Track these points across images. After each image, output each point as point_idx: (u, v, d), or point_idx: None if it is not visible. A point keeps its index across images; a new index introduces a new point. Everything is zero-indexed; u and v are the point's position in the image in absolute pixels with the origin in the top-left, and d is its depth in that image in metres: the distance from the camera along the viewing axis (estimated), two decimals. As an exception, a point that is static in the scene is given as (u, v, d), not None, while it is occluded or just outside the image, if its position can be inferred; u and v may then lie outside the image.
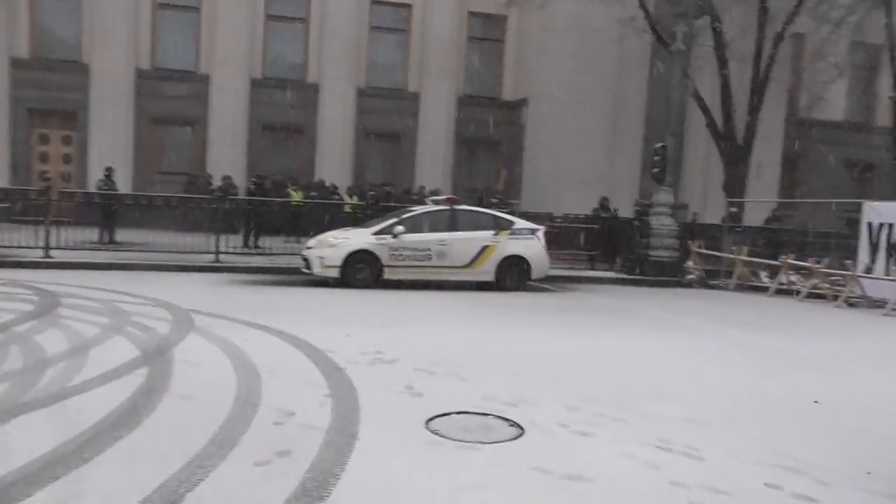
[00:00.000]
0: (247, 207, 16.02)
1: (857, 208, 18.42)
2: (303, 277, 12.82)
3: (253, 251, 15.66)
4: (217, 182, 19.68)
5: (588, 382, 6.19)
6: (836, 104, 25.61)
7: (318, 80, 24.65)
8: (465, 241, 12.57)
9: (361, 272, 12.12)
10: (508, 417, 5.01)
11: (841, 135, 26.76)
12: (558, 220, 17.01)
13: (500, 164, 26.50)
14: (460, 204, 13.33)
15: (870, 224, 13.44)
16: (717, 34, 19.19)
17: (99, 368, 5.72)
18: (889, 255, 12.92)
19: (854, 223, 19.09)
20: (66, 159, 23.27)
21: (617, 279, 15.80)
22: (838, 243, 16.00)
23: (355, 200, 18.98)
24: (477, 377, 6.12)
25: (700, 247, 16.25)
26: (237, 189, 19.50)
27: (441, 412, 5.04)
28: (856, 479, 4.26)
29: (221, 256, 14.43)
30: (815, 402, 5.92)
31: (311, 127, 24.63)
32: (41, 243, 13.66)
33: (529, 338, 8.36)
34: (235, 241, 15.30)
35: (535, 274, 13.04)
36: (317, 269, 12.19)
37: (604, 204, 18.81)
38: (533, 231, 13.20)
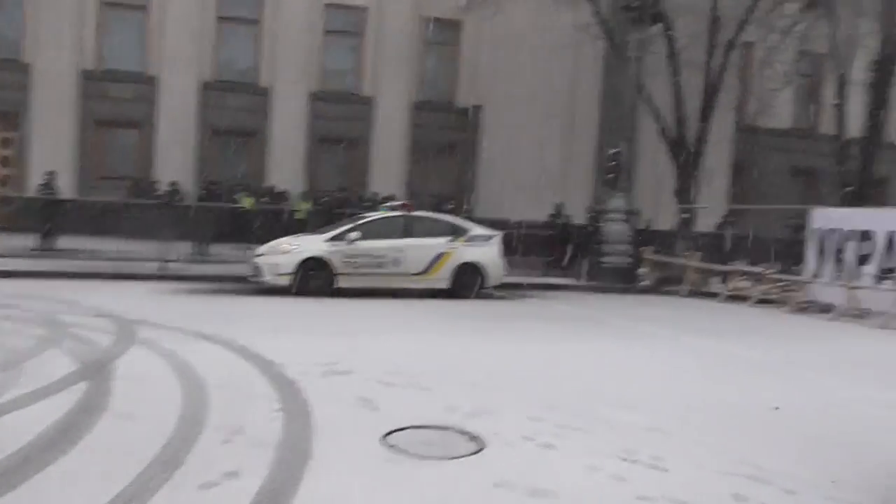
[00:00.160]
0: (195, 214, 15.54)
1: (804, 214, 18.78)
2: (253, 286, 12.44)
3: (202, 258, 15.19)
4: (164, 187, 19.14)
5: (549, 392, 6.05)
6: (782, 112, 26.15)
7: (271, 83, 24.24)
8: (420, 248, 12.38)
9: (314, 280, 11.82)
10: (470, 430, 4.83)
11: (787, 142, 27.38)
12: (513, 226, 16.92)
13: (454, 169, 26.40)
14: (415, 210, 13.14)
15: (818, 230, 13.66)
16: (670, 41, 19.39)
17: (32, 384, 5.36)
18: (836, 260, 13.13)
19: (800, 229, 19.49)
20: (5, 162, 22.42)
21: (572, 285, 15.77)
22: (787, 249, 16.28)
23: (308, 206, 18.64)
24: (436, 388, 5.93)
25: (653, 253, 16.35)
26: (185, 195, 19.01)
27: (399, 426, 4.83)
28: (821, 487, 4.20)
29: (169, 264, 13.97)
30: (775, 408, 5.89)
31: (262, 131, 24.20)
32: (-25, 251, 13.05)
33: (488, 346, 8.20)
34: (183, 248, 14.83)
35: (491, 281, 12.91)
36: (268, 277, 11.86)
37: (559, 210, 18.82)
38: (489, 237, 13.08)
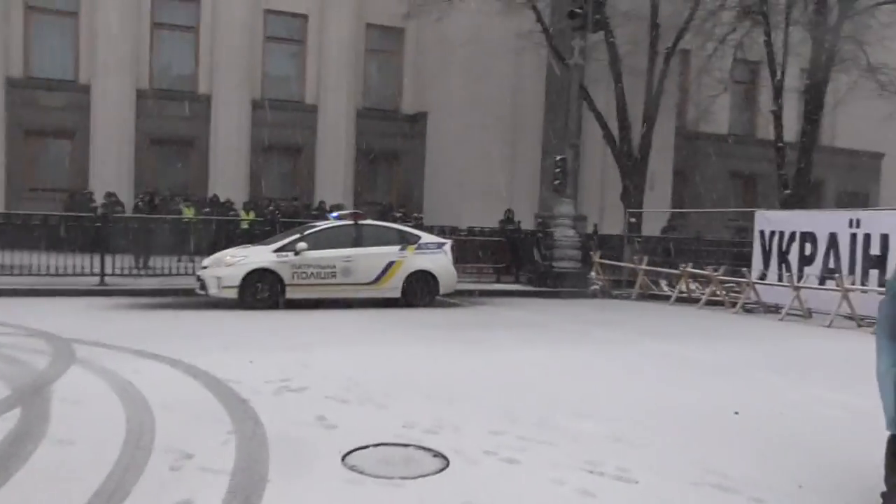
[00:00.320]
0: (134, 226, 14.99)
1: (745, 217, 19.21)
2: (198, 299, 12.06)
3: (143, 272, 14.66)
4: (100, 199, 18.47)
5: (509, 402, 5.93)
6: (720, 118, 26.83)
7: (210, 90, 23.69)
8: (370, 257, 12.18)
9: (262, 292, 11.52)
10: (431, 447, 4.68)
11: (726, 147, 28.06)
12: (463, 233, 16.85)
13: (400, 177, 26.25)
14: (365, 218, 12.94)
15: (762, 232, 13.95)
16: (612, 48, 19.65)
17: (-39, 413, 5.01)
18: (781, 261, 13.43)
19: (743, 231, 19.95)
20: (-72, 175, 21.34)
21: (523, 291, 15.78)
22: (731, 251, 16.59)
23: (252, 216, 18.22)
24: (394, 403, 5.75)
25: (601, 257, 16.47)
26: (123, 206, 18.38)
27: (358, 445, 4.65)
28: (789, 494, 4.18)
29: (107, 278, 13.46)
30: (735, 412, 5.89)
31: (203, 140, 23.61)
32: None
33: (443, 356, 8.06)
34: (123, 261, 14.29)
35: (443, 289, 12.78)
36: (213, 291, 11.48)
37: (509, 216, 18.84)
38: (440, 245, 12.97)
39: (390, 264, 12.32)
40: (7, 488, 3.79)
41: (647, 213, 19.77)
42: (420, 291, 12.54)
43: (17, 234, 14.14)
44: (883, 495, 3.79)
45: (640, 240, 17.69)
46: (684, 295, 14.75)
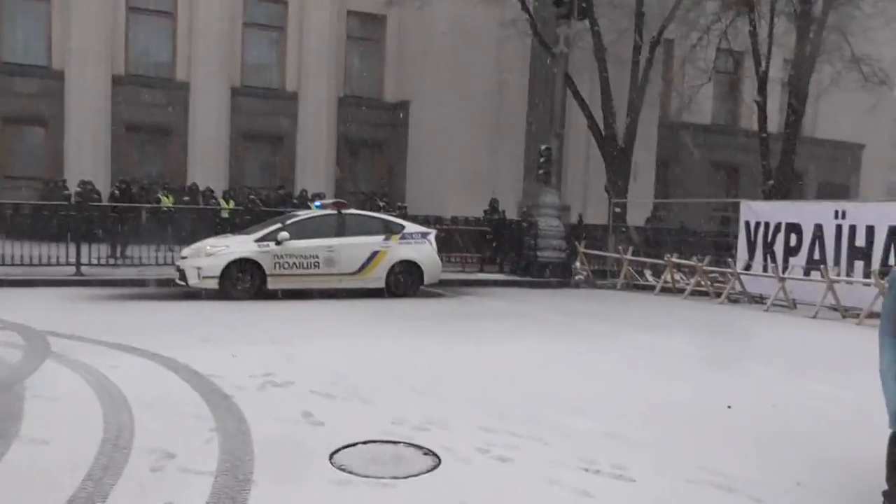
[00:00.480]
0: (111, 214, 14.65)
1: (729, 207, 19.20)
2: (178, 290, 11.81)
3: (120, 262, 14.35)
4: (74, 188, 18.08)
5: (499, 397, 5.80)
6: (703, 108, 26.79)
7: (189, 78, 23.25)
8: (354, 247, 11.98)
9: (243, 283, 11.29)
10: (421, 445, 4.53)
11: (709, 137, 28.05)
12: (447, 222, 16.69)
13: (382, 166, 26.01)
14: (348, 208, 12.72)
15: (747, 223, 13.91)
16: (597, 37, 19.52)
17: (-72, 411, 4.79)
18: (766, 252, 13.40)
19: (727, 221, 19.96)
20: None
21: (507, 281, 15.66)
22: (716, 241, 16.58)
23: (232, 205, 17.93)
24: (381, 398, 5.60)
25: (586, 247, 16.39)
26: (100, 195, 18.01)
27: (346, 443, 4.49)
28: (788, 492, 4.09)
29: (84, 268, 13.13)
30: (728, 407, 5.80)
31: (181, 128, 23.19)
32: None
33: (430, 349, 7.91)
34: (100, 251, 13.97)
35: (427, 279, 12.62)
36: (193, 281, 11.24)
37: (494, 206, 18.69)
38: (424, 235, 12.79)
39: (374, 254, 12.14)
40: (-23, 492, 3.60)
41: (632, 203, 19.71)
42: (404, 282, 12.37)
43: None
44: (884, 494, 3.70)
45: (624, 230, 17.63)
46: (669, 285, 14.71)
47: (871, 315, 10.95)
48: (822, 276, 11.81)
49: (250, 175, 24.09)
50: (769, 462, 4.57)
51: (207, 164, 22.80)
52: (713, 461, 4.49)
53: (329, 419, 4.99)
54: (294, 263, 11.54)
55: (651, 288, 15.09)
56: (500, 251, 17.17)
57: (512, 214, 20.89)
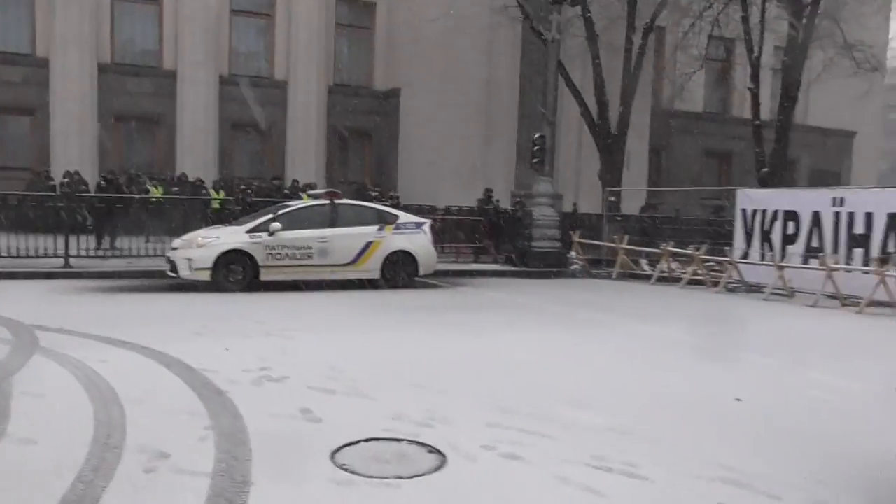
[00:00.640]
0: (99, 205, 14.38)
1: (722, 195, 19.09)
2: (168, 282, 11.60)
3: (109, 253, 14.10)
4: (58, 178, 17.77)
5: (502, 391, 5.65)
6: (695, 96, 26.70)
7: (176, 66, 22.92)
8: (348, 238, 11.79)
9: (235, 274, 11.08)
10: (425, 442, 4.37)
11: (701, 125, 27.98)
12: (441, 212, 16.52)
13: (373, 155, 25.77)
14: (341, 198, 12.52)
15: (744, 210, 13.81)
16: (589, 24, 19.33)
17: (-90, 411, 4.59)
18: (763, 240, 13.30)
19: (721, 209, 19.90)
20: None
21: (502, 271, 15.53)
22: (711, 230, 16.49)
23: (223, 195, 17.68)
24: (381, 393, 5.43)
25: (582, 236, 16.26)
26: (87, 185, 17.71)
27: (347, 441, 4.32)
28: (804, 488, 3.95)
29: (72, 260, 12.90)
30: (737, 399, 5.67)
31: (169, 117, 22.87)
32: None
33: (428, 341, 7.75)
34: (88, 242, 13.74)
35: (422, 270, 12.46)
36: (184, 273, 11.03)
37: (488, 195, 18.51)
38: (419, 225, 12.61)
39: (368, 245, 11.95)
40: (-39, 497, 3.41)
41: (626, 191, 19.59)
42: (399, 272, 12.20)
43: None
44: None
45: (619, 218, 17.50)
46: (665, 274, 14.60)
47: (872, 303, 10.90)
48: (821, 263, 11.73)
49: (240, 165, 23.82)
50: (781, 456, 4.44)
51: (196, 153, 22.52)
52: (724, 456, 4.36)
53: (328, 415, 4.82)
54: (287, 254, 11.34)
55: (647, 277, 14.98)
56: (495, 241, 17.01)
57: (504, 203, 20.73)
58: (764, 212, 13.36)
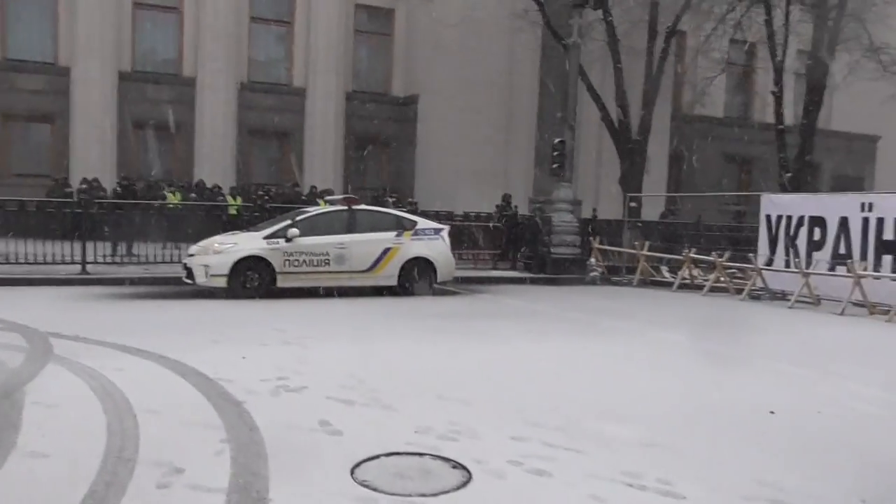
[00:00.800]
0: (117, 212, 14.35)
1: (741, 201, 18.75)
2: (185, 289, 11.52)
3: (126, 260, 14.06)
4: (76, 185, 17.80)
5: (527, 402, 5.46)
6: (716, 100, 26.36)
7: (196, 73, 22.96)
8: (365, 244, 11.65)
9: (252, 281, 10.97)
10: (449, 456, 4.19)
11: (721, 130, 27.63)
12: (459, 218, 16.34)
13: (391, 161, 25.67)
14: (359, 203, 12.38)
15: (768, 216, 13.52)
16: (610, 27, 19.13)
17: (-80, 422, 4.48)
18: (788, 247, 13.01)
19: (741, 215, 19.59)
20: None
21: (521, 278, 15.33)
22: (732, 236, 16.21)
23: (240, 202, 17.62)
24: (402, 404, 5.26)
25: (601, 243, 16.02)
26: (106, 192, 17.71)
27: (368, 455, 4.16)
28: (847, 507, 3.74)
29: (89, 266, 12.87)
30: (771, 412, 5.44)
31: (188, 124, 22.90)
32: None
33: (448, 349, 7.57)
34: (105, 249, 13.71)
35: (441, 276, 12.29)
36: (201, 279, 10.92)
37: (507, 201, 18.33)
38: (437, 231, 12.45)
39: (386, 251, 11.80)
40: (-32, 514, 3.28)
41: (646, 197, 19.32)
42: (417, 279, 12.04)
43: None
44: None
45: (640, 224, 17.24)
46: (686, 281, 14.34)
47: (902, 311, 10.61)
48: (849, 270, 11.43)
49: (258, 172, 23.80)
50: (824, 473, 4.23)
51: (214, 160, 22.53)
52: (765, 473, 4.15)
53: (348, 428, 4.65)
54: (304, 261, 11.21)
55: (668, 284, 14.73)
56: (514, 247, 16.81)
57: (523, 209, 20.53)
58: (789, 218, 13.07)
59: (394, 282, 11.90)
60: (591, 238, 16.09)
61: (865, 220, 11.83)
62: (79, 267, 12.75)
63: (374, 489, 3.70)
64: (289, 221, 11.47)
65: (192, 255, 11.28)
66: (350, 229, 11.70)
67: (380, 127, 24.82)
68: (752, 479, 4.03)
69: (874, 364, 7.78)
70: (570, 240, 15.97)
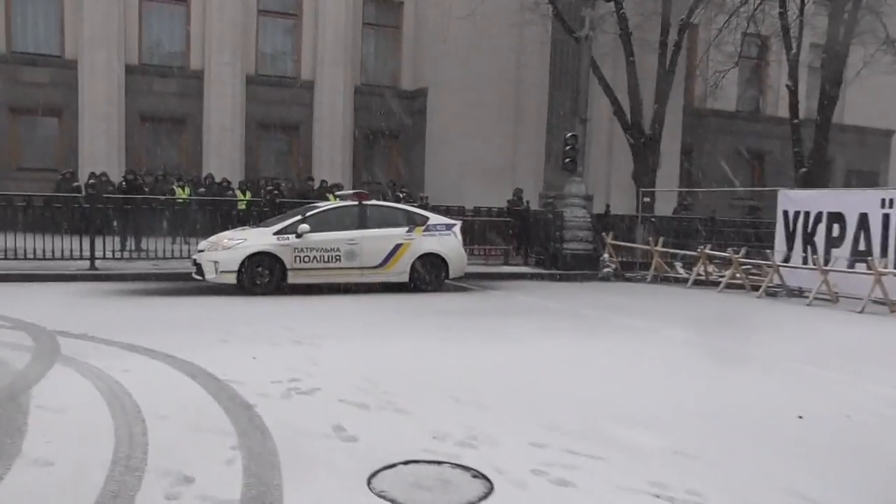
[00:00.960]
0: (125, 206, 14.22)
1: (754, 196, 18.48)
2: (194, 285, 11.38)
3: (134, 255, 13.95)
4: (83, 179, 17.70)
5: (544, 404, 5.30)
6: (728, 94, 26.06)
7: (203, 66, 22.82)
8: (376, 240, 11.48)
9: (262, 277, 10.83)
10: (468, 465, 4.03)
11: (734, 124, 27.33)
12: (470, 213, 16.16)
13: (400, 155, 25.49)
14: (370, 198, 12.21)
15: (785, 212, 13.28)
16: (622, 20, 18.87)
17: (-78, 426, 4.35)
18: (806, 243, 12.78)
19: (755, 210, 19.33)
20: None
21: (533, 274, 15.14)
22: (747, 231, 15.98)
23: (249, 196, 17.48)
24: (417, 407, 5.10)
25: (615, 238, 15.81)
26: (114, 186, 17.62)
27: (385, 463, 4.00)
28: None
29: (98, 262, 12.75)
30: (799, 417, 5.26)
31: (196, 117, 22.78)
32: None
33: (462, 349, 7.41)
34: (114, 244, 13.62)
35: (452, 273, 12.12)
36: (210, 276, 10.79)
37: (518, 196, 18.13)
38: (449, 227, 12.27)
39: (397, 247, 11.64)
40: (-31, 527, 3.14)
41: (661, 192, 19.08)
42: (429, 276, 11.87)
43: (0, 215, 13.37)
44: None
45: (653, 220, 17.02)
46: (701, 277, 14.13)
47: (925, 310, 10.39)
48: (869, 268, 11.21)
49: (266, 165, 23.67)
50: (859, 483, 4.05)
51: (222, 154, 22.42)
52: (796, 482, 3.98)
53: (363, 434, 4.49)
54: (315, 257, 11.06)
55: (682, 281, 14.53)
56: (525, 243, 16.62)
57: (533, 204, 20.34)
58: (807, 214, 12.83)
59: (405, 278, 11.74)
60: (603, 234, 15.87)
61: (886, 217, 11.58)
62: (87, 262, 12.63)
63: (392, 500, 3.54)
64: (299, 217, 11.32)
65: (201, 251, 11.15)
66: (361, 225, 11.54)
67: (388, 120, 24.63)
68: (787, 492, 3.85)
69: (898, 365, 7.59)
70: (582, 235, 15.77)
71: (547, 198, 19.31)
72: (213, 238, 11.36)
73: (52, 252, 12.80)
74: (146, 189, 16.42)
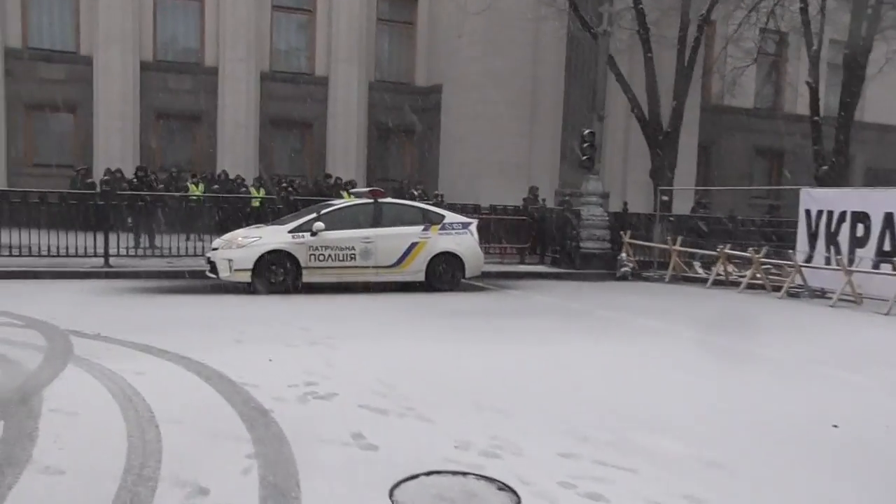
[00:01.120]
0: (139, 203, 14.15)
1: (771, 195, 18.15)
2: (208, 283, 11.27)
3: (148, 252, 13.87)
4: (98, 175, 17.66)
5: (570, 412, 5.13)
6: (746, 91, 25.72)
7: (217, 63, 22.77)
8: (392, 238, 11.33)
9: (277, 276, 10.69)
10: (494, 477, 3.87)
11: (751, 121, 26.99)
12: (485, 211, 15.98)
13: (415, 153, 25.33)
14: (385, 196, 12.06)
15: (808, 211, 13.03)
16: (641, 16, 18.62)
17: (-69, 431, 4.23)
18: (829, 243, 12.52)
19: (775, 209, 19.04)
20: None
21: (550, 274, 14.94)
22: (767, 231, 15.72)
23: (263, 193, 17.38)
24: (438, 414, 4.94)
25: (631, 237, 15.59)
26: (129, 183, 17.57)
27: (406, 474, 3.85)
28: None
29: (112, 259, 12.67)
30: (834, 426, 5.06)
31: (210, 114, 22.73)
32: None
33: (480, 350, 7.24)
34: (128, 241, 13.56)
35: (469, 272, 11.95)
36: (224, 274, 10.66)
37: (534, 194, 17.92)
38: (465, 225, 12.09)
39: (413, 245, 11.48)
40: (-23, 541, 3.01)
41: (678, 190, 18.82)
42: (445, 275, 11.70)
43: (15, 212, 13.32)
44: None
45: (672, 219, 16.76)
46: (721, 277, 13.89)
47: (954, 312, 10.13)
48: (895, 268, 10.95)
49: (280, 162, 23.58)
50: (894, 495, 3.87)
51: (236, 151, 22.36)
52: (834, 495, 3.80)
53: (383, 442, 4.34)
54: (330, 255, 10.92)
55: (701, 280, 14.29)
56: (542, 242, 16.42)
57: (549, 202, 20.13)
58: (830, 213, 12.56)
59: (421, 277, 11.58)
60: (621, 232, 15.63)
61: (913, 216, 11.32)
62: (102, 260, 12.55)
63: (416, 515, 3.39)
64: (314, 215, 11.17)
65: (215, 249, 11.02)
66: (376, 223, 11.39)
67: (403, 117, 24.48)
68: (827, 507, 3.67)
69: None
70: (599, 234, 15.56)
71: (563, 196, 19.08)
72: (227, 236, 11.25)
73: (67, 249, 12.73)
74: (158, 185, 16.34)
